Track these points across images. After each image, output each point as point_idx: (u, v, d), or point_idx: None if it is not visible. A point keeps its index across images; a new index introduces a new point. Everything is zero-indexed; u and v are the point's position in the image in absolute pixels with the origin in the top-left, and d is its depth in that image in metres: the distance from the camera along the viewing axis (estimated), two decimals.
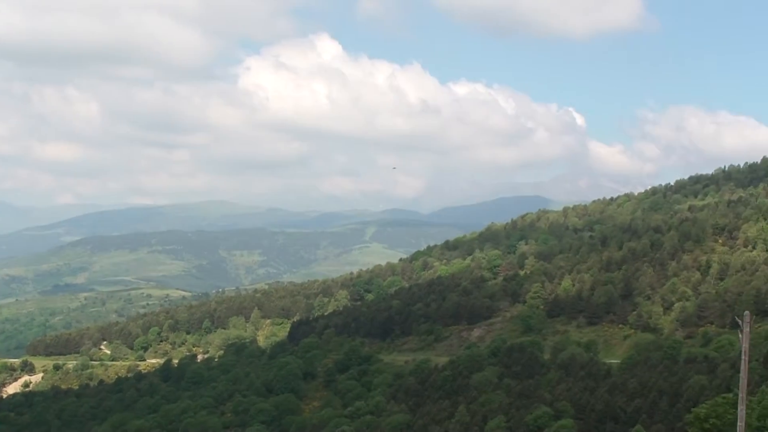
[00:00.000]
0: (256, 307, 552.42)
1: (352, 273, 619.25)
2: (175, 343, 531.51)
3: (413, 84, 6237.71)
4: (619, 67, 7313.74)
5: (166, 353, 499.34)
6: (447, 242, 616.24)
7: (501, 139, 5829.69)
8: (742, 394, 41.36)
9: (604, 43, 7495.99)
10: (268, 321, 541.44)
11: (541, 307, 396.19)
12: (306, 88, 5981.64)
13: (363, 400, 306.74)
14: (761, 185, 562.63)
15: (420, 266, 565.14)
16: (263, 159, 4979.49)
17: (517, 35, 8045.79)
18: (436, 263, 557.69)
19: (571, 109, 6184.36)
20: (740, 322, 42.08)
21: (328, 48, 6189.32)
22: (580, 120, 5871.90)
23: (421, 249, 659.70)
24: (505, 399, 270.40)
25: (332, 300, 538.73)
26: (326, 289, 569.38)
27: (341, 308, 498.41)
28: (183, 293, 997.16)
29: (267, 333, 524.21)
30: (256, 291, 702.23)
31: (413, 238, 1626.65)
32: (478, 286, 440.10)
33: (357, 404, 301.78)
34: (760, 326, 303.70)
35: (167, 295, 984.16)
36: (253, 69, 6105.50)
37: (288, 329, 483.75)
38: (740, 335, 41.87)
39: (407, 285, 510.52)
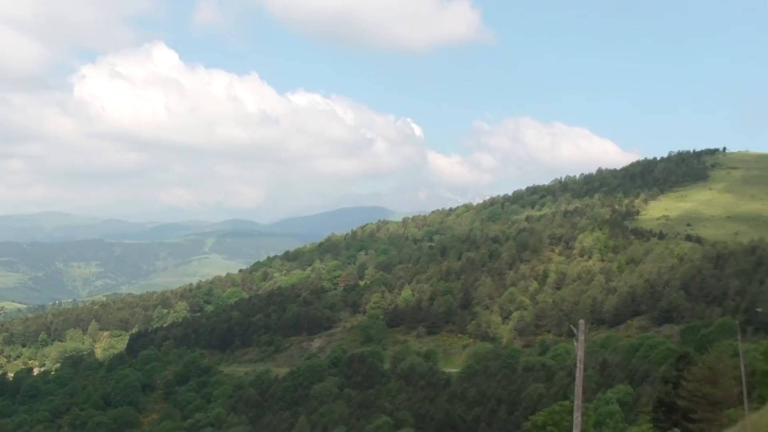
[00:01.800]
0: (94, 319, 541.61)
1: (191, 284, 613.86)
2: (10, 356, 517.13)
3: (252, 94, 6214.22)
4: (457, 79, 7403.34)
5: (0, 367, 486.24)
6: (287, 253, 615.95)
7: (341, 149, 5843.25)
8: (577, 401, 41.36)
9: (441, 55, 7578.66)
10: (106, 333, 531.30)
11: (381, 317, 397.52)
12: (143, 98, 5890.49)
13: (203, 412, 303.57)
14: (596, 196, 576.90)
15: (260, 277, 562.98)
16: (101, 170, 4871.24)
17: (354, 46, 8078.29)
18: (276, 274, 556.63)
19: (409, 119, 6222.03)
20: (575, 330, 42.02)
21: (164, 57, 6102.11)
22: (418, 131, 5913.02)
23: (261, 260, 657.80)
24: (345, 409, 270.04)
25: (171, 311, 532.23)
26: (165, 300, 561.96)
27: (180, 320, 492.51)
28: (18, 305, 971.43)
29: (105, 345, 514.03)
30: (93, 303, 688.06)
31: (253, 248, 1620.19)
32: (318, 297, 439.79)
33: (197, 416, 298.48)
34: (595, 334, 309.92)
35: (2, 307, 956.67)
36: (89, 78, 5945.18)
37: (126, 341, 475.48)
38: (576, 344, 41.86)
39: (247, 296, 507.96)
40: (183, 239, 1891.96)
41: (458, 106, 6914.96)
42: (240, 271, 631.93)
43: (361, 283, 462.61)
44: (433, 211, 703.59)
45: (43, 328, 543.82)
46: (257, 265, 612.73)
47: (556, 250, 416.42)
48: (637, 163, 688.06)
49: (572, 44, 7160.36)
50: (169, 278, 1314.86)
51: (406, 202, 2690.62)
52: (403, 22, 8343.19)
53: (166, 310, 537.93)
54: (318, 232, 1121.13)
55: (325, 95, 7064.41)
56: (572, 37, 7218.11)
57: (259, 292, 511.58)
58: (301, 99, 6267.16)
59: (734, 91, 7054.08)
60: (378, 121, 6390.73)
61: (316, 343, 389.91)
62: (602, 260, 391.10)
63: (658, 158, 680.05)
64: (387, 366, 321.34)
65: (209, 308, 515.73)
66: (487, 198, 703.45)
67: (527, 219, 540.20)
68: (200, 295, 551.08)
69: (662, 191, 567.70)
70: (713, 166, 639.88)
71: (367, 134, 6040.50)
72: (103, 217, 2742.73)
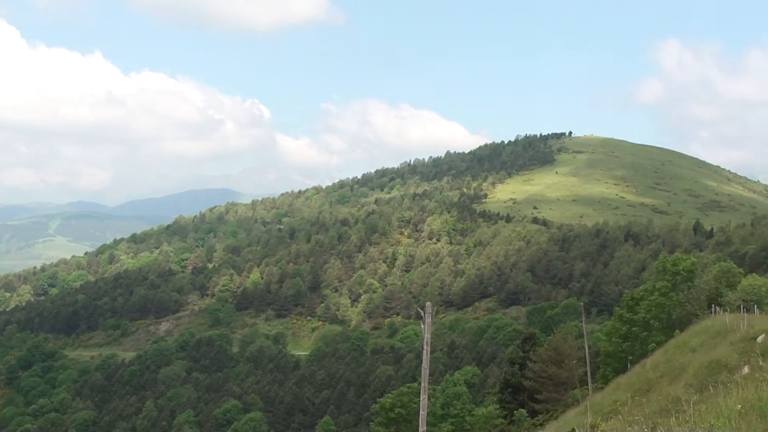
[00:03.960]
0: None
1: (35, 267, 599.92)
2: None
3: (96, 74, 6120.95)
4: (304, 60, 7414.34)
5: None
6: (134, 235, 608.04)
7: (189, 130, 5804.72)
8: (424, 383, 40.97)
9: (289, 35, 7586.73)
10: None
11: (230, 300, 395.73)
12: None
13: (47, 398, 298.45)
14: (445, 179, 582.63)
15: (106, 260, 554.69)
16: None
17: (200, 25, 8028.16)
18: (123, 257, 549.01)
19: (257, 101, 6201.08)
20: (423, 313, 41.63)
21: (5, 34, 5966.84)
22: (267, 112, 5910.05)
23: (108, 242, 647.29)
24: (193, 393, 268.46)
25: (14, 295, 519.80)
26: (8, 284, 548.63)
27: (24, 303, 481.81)
28: None
29: None
30: None
31: (99, 231, 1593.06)
32: (165, 280, 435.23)
33: (41, 402, 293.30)
34: (444, 316, 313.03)
35: None
36: None
37: None
38: (423, 326, 41.45)
39: (93, 279, 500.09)
40: (26, 221, 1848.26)
41: (306, 87, 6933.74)
42: (85, 253, 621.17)
43: (210, 265, 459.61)
44: (283, 194, 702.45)
45: None
46: (103, 248, 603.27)
47: (405, 233, 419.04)
48: (485, 146, 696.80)
49: (419, 26, 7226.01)
50: (12, 261, 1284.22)
51: (255, 185, 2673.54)
52: (249, 1, 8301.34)
53: (8, 294, 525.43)
54: (165, 215, 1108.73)
55: (171, 75, 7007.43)
56: (419, 20, 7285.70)
57: (105, 275, 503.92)
58: (146, 79, 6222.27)
59: (580, 76, 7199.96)
60: (226, 103, 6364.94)
61: (164, 326, 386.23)
62: (450, 243, 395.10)
63: (506, 142, 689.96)
64: (236, 349, 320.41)
65: (54, 292, 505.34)
66: (337, 181, 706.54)
67: (376, 202, 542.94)
68: (44, 278, 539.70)
69: (509, 174, 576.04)
70: (559, 149, 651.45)
71: (215, 116, 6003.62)
72: None
